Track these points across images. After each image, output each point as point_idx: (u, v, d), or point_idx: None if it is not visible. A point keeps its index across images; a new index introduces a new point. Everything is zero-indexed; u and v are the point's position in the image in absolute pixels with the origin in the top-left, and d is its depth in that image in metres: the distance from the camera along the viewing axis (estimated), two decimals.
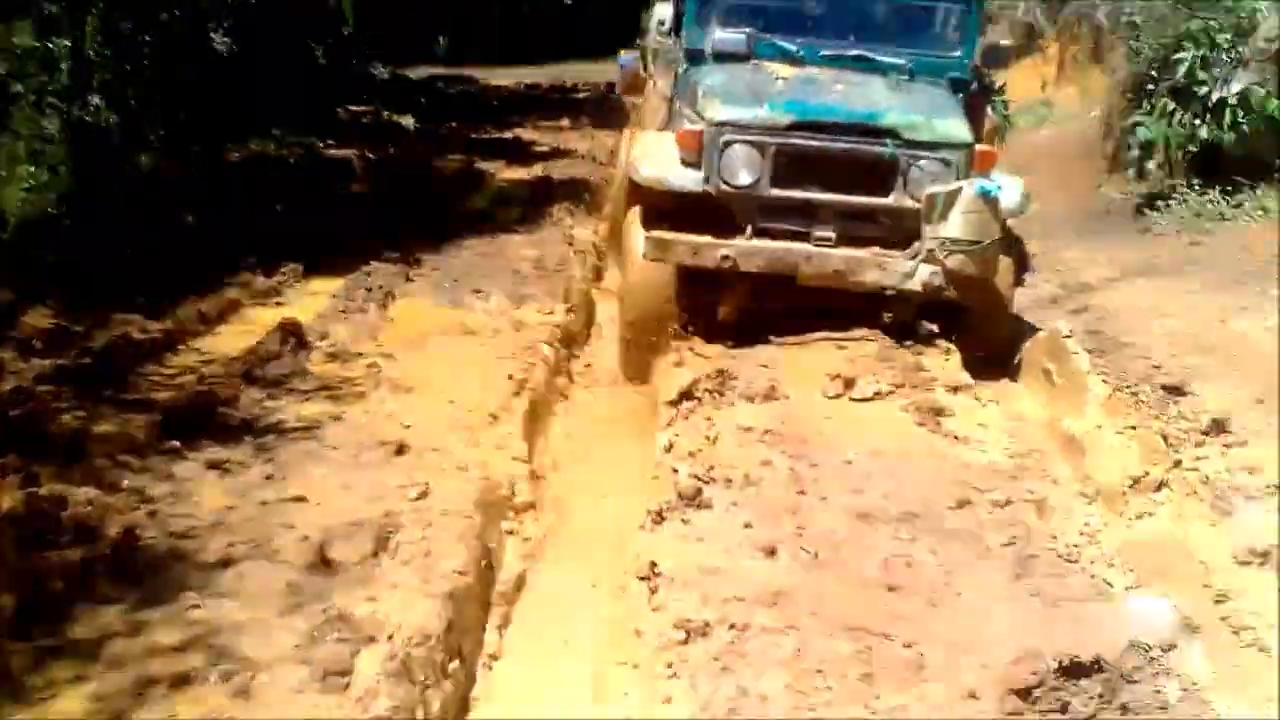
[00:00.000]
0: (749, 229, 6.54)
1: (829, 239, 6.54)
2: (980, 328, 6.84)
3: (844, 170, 6.53)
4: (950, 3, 7.46)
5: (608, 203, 9.71)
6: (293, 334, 6.65)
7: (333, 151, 13.45)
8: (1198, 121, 8.44)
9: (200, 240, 8.54)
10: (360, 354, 6.63)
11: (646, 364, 6.82)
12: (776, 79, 6.97)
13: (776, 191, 6.55)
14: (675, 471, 4.96)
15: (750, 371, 6.18)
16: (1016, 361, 6.95)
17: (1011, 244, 6.94)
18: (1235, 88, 8.22)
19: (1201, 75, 8.38)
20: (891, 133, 6.46)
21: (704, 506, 4.62)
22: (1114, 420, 5.77)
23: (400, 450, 5.15)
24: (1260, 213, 8.10)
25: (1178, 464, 5.10)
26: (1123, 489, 5.23)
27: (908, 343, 6.51)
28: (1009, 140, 12.01)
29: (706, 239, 6.49)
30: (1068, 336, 6.56)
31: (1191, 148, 8.68)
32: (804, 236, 6.57)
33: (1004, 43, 8.30)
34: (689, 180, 6.58)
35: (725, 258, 6.44)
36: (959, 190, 6.28)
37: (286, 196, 10.51)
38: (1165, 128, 8.58)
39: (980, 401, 5.97)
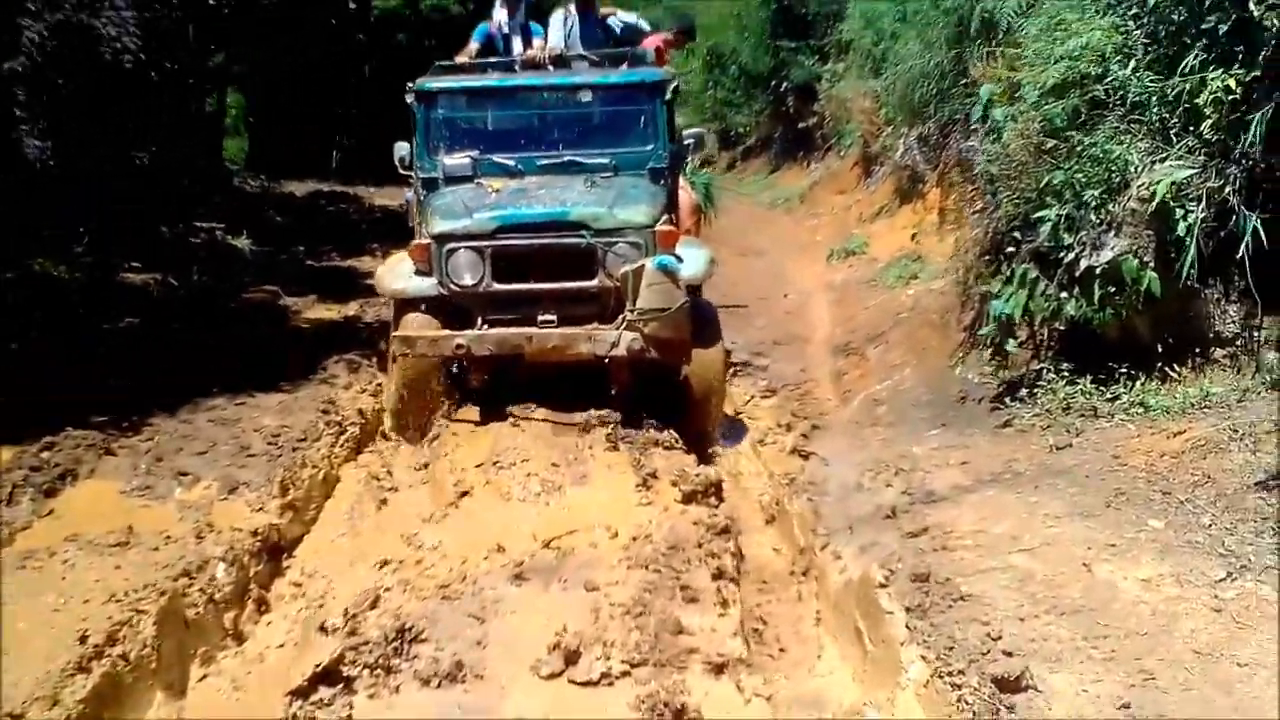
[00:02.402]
0: (479, 320, 7.73)
1: (552, 321, 7.71)
2: (701, 413, 7.99)
3: (554, 262, 7.72)
4: (639, 106, 8.78)
5: None
6: None
7: (134, 277, 11.80)
8: (1064, 294, 6.93)
9: None
10: None
11: (415, 425, 8.05)
12: (491, 192, 8.20)
13: (499, 286, 7.75)
14: None
15: (452, 625, 4.94)
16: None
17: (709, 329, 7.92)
18: (1105, 255, 6.81)
19: (1067, 238, 6.97)
20: (583, 225, 7.65)
21: None
22: None
23: None
24: (1139, 410, 6.70)
25: None
26: None
27: (633, 431, 7.54)
28: (873, 298, 10.73)
29: (444, 332, 7.68)
30: (883, 585, 4.93)
31: (1058, 325, 7.13)
32: (532, 322, 7.72)
33: (696, 130, 9.66)
34: (425, 287, 7.86)
35: (460, 346, 7.59)
36: (642, 267, 7.41)
37: (30, 332, 8.85)
38: (1025, 299, 7.04)
39: (743, 694, 4.29)
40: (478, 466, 7.19)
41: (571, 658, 4.58)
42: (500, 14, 10.43)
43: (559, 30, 10.23)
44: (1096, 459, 6.55)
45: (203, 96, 19.98)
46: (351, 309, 11.66)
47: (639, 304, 7.39)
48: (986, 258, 8.17)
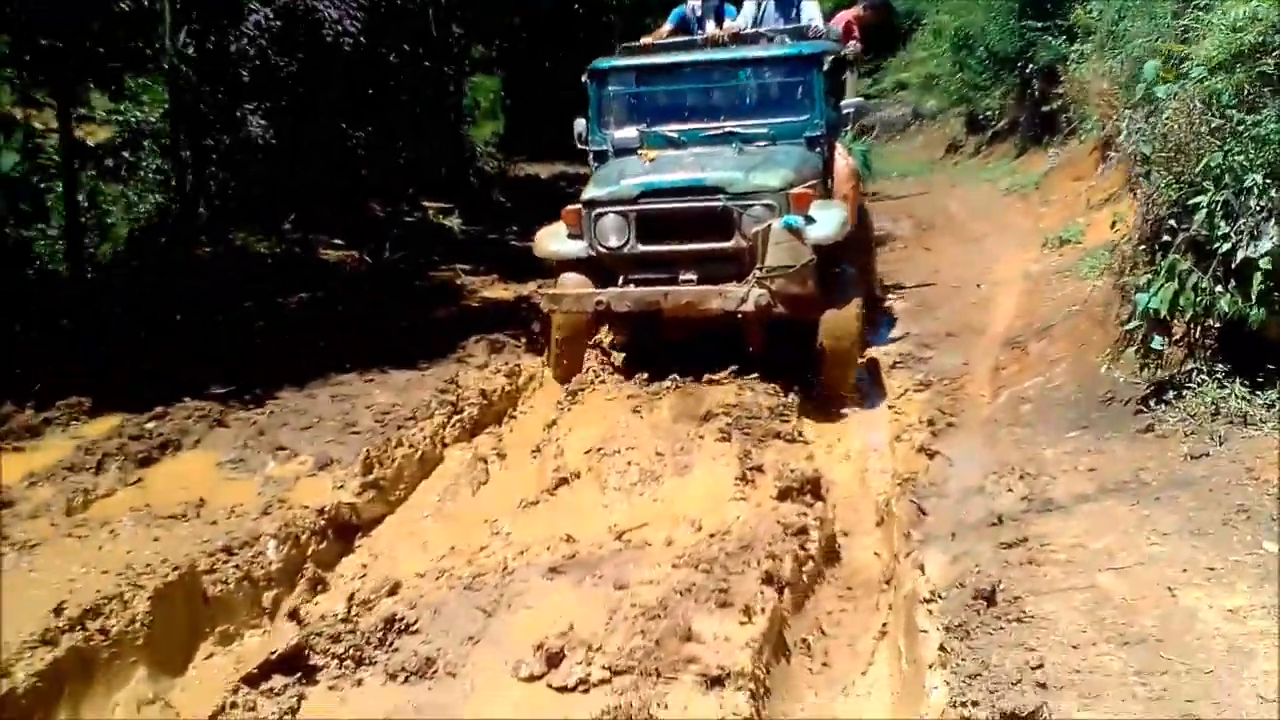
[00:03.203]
0: (621, 279, 8.39)
1: (692, 280, 8.20)
2: (831, 370, 8.31)
3: (693, 224, 8.21)
4: (796, 78, 9.32)
5: None
6: None
7: (333, 253, 12.16)
8: (1219, 288, 6.20)
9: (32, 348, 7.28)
10: None
11: (571, 370, 8.66)
12: (645, 161, 8.84)
13: (642, 247, 8.33)
14: None
15: (455, 618, 4.80)
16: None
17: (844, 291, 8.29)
18: (1264, 246, 6.03)
19: (1224, 226, 6.19)
20: (719, 189, 8.14)
21: None
22: None
23: None
24: None
25: None
26: None
27: (757, 420, 7.28)
28: (1064, 289, 10.02)
29: (587, 290, 8.33)
30: (928, 600, 4.51)
31: (1213, 322, 6.40)
32: (673, 281, 8.22)
33: (856, 100, 10.16)
34: (576, 248, 8.56)
35: (599, 302, 8.17)
36: (769, 226, 7.77)
37: (214, 303, 9.27)
38: (1174, 293, 6.34)
39: (722, 710, 3.98)
40: (586, 452, 7.04)
41: (554, 660, 4.35)
42: None
43: (750, 12, 10.92)
44: (1230, 471, 5.85)
45: (446, 81, 20.35)
46: (528, 288, 11.66)
47: (767, 261, 7.78)
48: (1143, 247, 7.42)
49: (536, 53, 26.88)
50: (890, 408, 8.45)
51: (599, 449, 6.98)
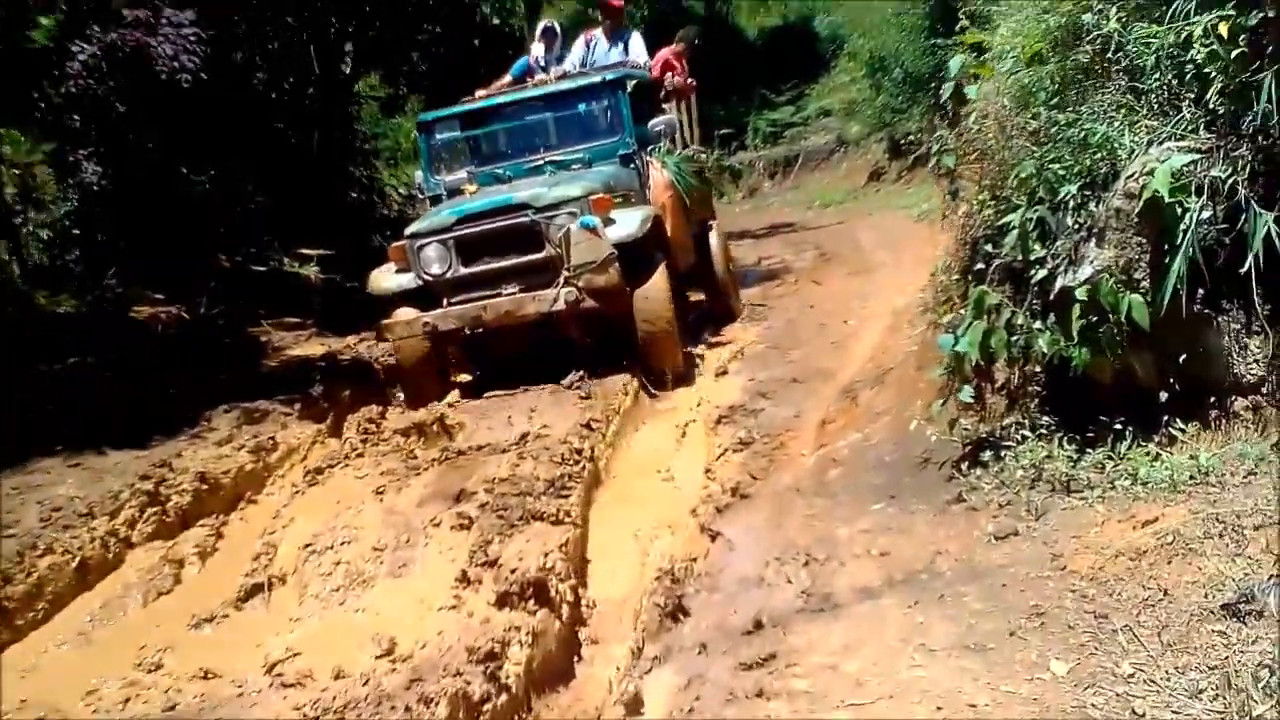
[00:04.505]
0: (446, 301, 8.77)
1: (514, 293, 8.65)
2: (650, 352, 8.85)
3: (509, 242, 8.70)
4: (602, 104, 10.01)
5: None
6: None
7: (149, 309, 10.82)
8: (1037, 324, 4.98)
9: None
10: None
11: (423, 401, 8.59)
12: (467, 196, 9.41)
13: (465, 270, 8.79)
14: None
15: None
16: None
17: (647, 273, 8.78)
18: (1084, 272, 4.82)
19: (1038, 250, 4.99)
20: (526, 206, 8.67)
21: None
22: None
23: None
24: (1126, 482, 4.68)
25: None
26: None
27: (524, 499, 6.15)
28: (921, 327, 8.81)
29: (413, 315, 8.77)
30: None
31: (1033, 366, 5.20)
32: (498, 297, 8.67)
33: (664, 118, 10.45)
34: (405, 281, 9.01)
35: (426, 324, 8.65)
36: (568, 230, 8.45)
37: None
38: (986, 333, 5.12)
39: None
40: (300, 549, 5.78)
41: None
42: (537, 49, 11.52)
43: (579, 54, 11.42)
44: (1034, 558, 4.62)
45: (330, 121, 19.04)
46: (346, 343, 10.46)
47: (571, 261, 8.40)
48: (958, 278, 6.22)
49: (449, 93, 25.63)
50: (707, 471, 7.21)
51: (309, 545, 5.72)
